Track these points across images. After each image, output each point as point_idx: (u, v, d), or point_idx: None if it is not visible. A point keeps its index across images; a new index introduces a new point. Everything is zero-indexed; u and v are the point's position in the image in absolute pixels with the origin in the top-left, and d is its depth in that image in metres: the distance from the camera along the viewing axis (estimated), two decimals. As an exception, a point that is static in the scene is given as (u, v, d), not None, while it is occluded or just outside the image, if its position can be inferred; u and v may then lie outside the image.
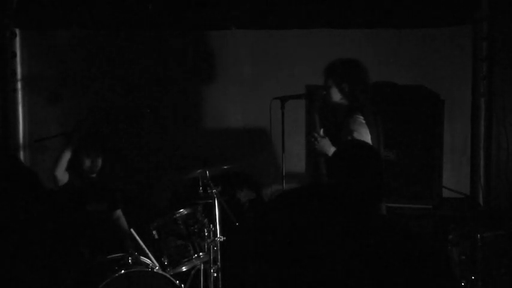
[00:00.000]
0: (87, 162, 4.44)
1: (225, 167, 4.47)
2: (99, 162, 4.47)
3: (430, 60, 5.36)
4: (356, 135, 3.94)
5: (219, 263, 4.26)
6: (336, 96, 4.11)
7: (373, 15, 5.28)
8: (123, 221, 4.57)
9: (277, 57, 5.50)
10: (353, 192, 2.62)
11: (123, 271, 3.87)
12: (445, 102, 5.09)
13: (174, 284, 3.95)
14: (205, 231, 4.25)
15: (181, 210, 4.28)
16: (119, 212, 4.58)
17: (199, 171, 4.31)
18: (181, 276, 4.23)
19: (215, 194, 4.26)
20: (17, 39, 5.47)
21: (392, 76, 5.23)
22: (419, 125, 5.00)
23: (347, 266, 1.53)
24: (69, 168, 4.44)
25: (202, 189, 4.33)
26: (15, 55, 5.46)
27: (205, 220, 4.29)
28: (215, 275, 4.27)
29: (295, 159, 5.28)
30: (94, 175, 4.49)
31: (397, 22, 5.30)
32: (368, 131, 3.98)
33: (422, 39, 5.35)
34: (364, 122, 3.98)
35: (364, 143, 3.58)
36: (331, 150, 3.97)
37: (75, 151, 4.41)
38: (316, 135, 4.03)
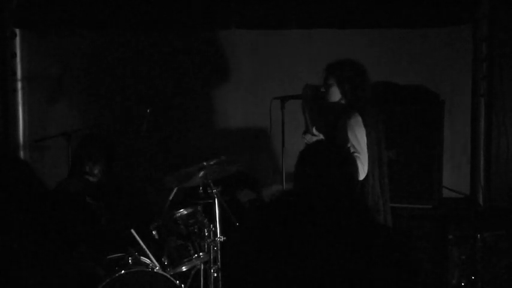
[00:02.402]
0: (89, 165, 4.43)
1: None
2: (100, 165, 4.46)
3: (430, 60, 5.36)
4: (351, 134, 3.91)
5: (219, 263, 4.26)
6: (336, 95, 4.09)
7: (373, 15, 5.28)
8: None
9: (277, 57, 5.50)
10: (321, 198, 2.19)
11: (123, 271, 3.87)
12: (445, 102, 5.09)
13: (174, 284, 3.95)
14: (205, 231, 4.24)
15: (181, 210, 4.28)
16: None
17: (199, 171, 4.30)
18: (181, 276, 4.23)
19: (215, 194, 4.25)
20: (17, 39, 5.48)
21: (392, 76, 5.23)
22: (419, 125, 5.00)
23: (343, 266, 1.54)
24: (72, 170, 4.44)
25: (202, 189, 4.32)
26: (15, 55, 5.46)
27: (205, 220, 4.28)
28: (215, 275, 4.27)
29: (295, 159, 5.27)
30: (94, 178, 4.48)
31: (397, 22, 5.30)
32: (364, 132, 3.94)
33: (422, 39, 5.35)
34: (361, 122, 3.95)
35: (330, 145, 3.55)
36: None
37: (77, 153, 4.41)
38: (304, 136, 4.08)
